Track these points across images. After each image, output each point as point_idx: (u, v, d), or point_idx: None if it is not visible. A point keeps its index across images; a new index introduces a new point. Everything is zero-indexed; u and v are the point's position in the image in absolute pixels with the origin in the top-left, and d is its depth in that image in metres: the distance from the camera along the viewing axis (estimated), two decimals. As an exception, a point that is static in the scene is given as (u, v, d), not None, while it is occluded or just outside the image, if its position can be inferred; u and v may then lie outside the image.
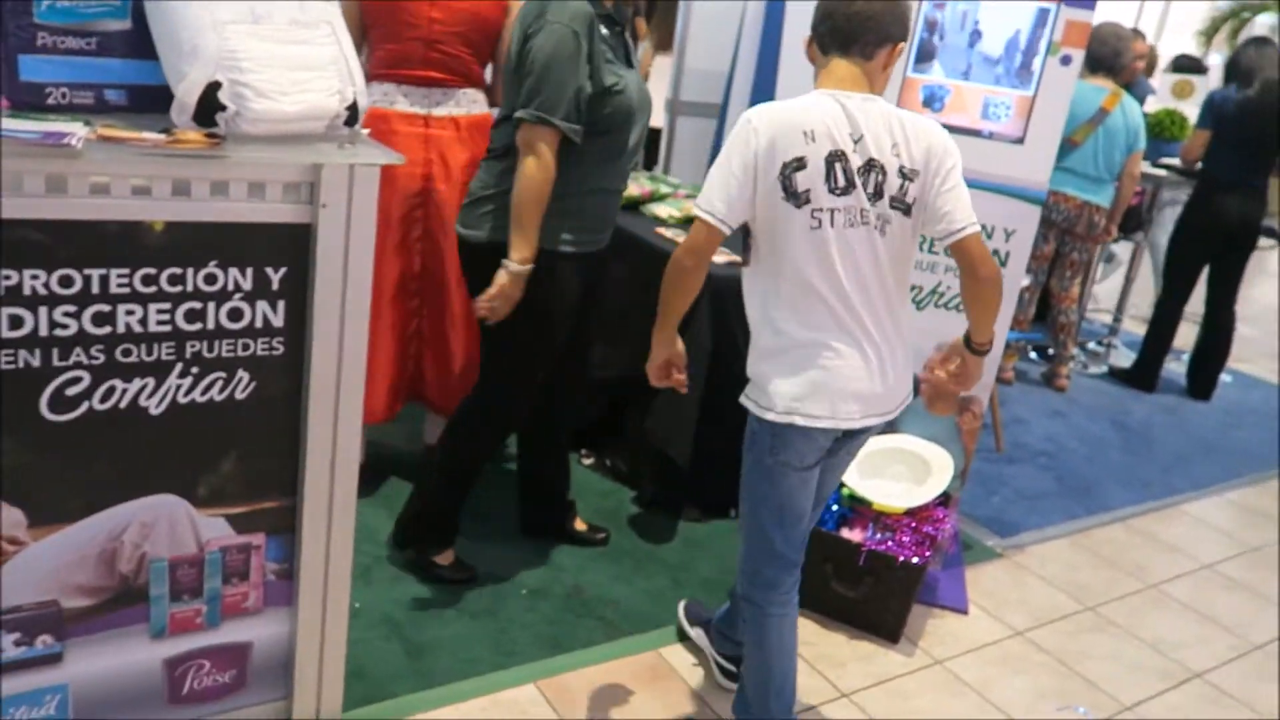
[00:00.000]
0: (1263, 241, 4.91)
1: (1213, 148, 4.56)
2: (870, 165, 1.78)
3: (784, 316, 1.86)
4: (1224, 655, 2.78)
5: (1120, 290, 5.59)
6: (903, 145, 1.80)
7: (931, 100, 2.61)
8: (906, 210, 1.83)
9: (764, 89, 4.47)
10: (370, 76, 2.71)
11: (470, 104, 2.71)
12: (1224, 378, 5.18)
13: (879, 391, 1.89)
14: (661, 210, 3.40)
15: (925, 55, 2.66)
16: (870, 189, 1.79)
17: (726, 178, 1.77)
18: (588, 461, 3.31)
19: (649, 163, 6.35)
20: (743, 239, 1.90)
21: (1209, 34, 19.88)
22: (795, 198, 1.76)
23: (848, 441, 1.97)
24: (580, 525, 2.86)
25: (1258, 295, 7.92)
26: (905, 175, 1.80)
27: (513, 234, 2.21)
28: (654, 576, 2.74)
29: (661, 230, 3.18)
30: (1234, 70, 4.55)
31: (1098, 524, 3.44)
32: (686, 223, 3.36)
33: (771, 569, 1.99)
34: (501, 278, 2.21)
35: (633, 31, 3.47)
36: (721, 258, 2.92)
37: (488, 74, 2.82)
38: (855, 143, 1.77)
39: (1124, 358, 5.26)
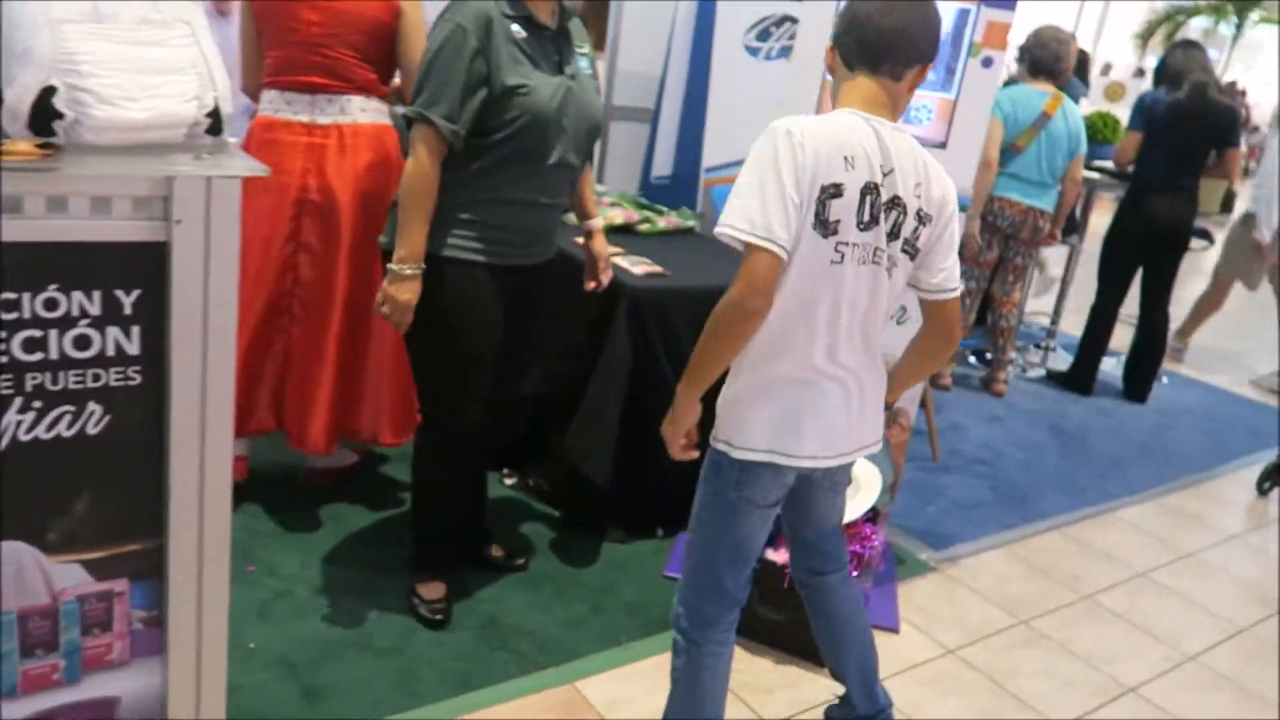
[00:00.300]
0: (1194, 243, 4.93)
1: (1144, 150, 4.57)
2: (894, 202, 1.66)
3: (771, 352, 1.71)
4: (1157, 667, 2.73)
5: (1057, 293, 5.59)
6: (924, 186, 1.69)
7: (852, 104, 2.53)
8: (914, 255, 1.73)
9: (696, 93, 4.39)
10: (263, 84, 2.57)
11: (359, 112, 2.56)
12: (1160, 379, 5.19)
13: (857, 427, 1.82)
14: (583, 219, 3.27)
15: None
16: (889, 227, 1.67)
17: (781, 198, 1.55)
18: (510, 481, 3.18)
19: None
20: None
21: (1145, 36, 20.28)
22: (825, 226, 1.60)
23: (830, 473, 1.89)
24: (497, 551, 2.73)
25: (1190, 296, 8.01)
26: (921, 219, 1.70)
27: (397, 234, 2.11)
28: (574, 602, 2.62)
29: (581, 240, 3.06)
30: (1163, 73, 4.56)
31: (1033, 533, 3.39)
32: (609, 232, 3.25)
33: (714, 606, 1.88)
34: (385, 280, 2.12)
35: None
36: (640, 268, 2.81)
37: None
38: (885, 175, 1.64)
39: (1062, 360, 5.25)
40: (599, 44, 5.91)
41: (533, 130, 2.15)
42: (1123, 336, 5.06)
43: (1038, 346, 5.45)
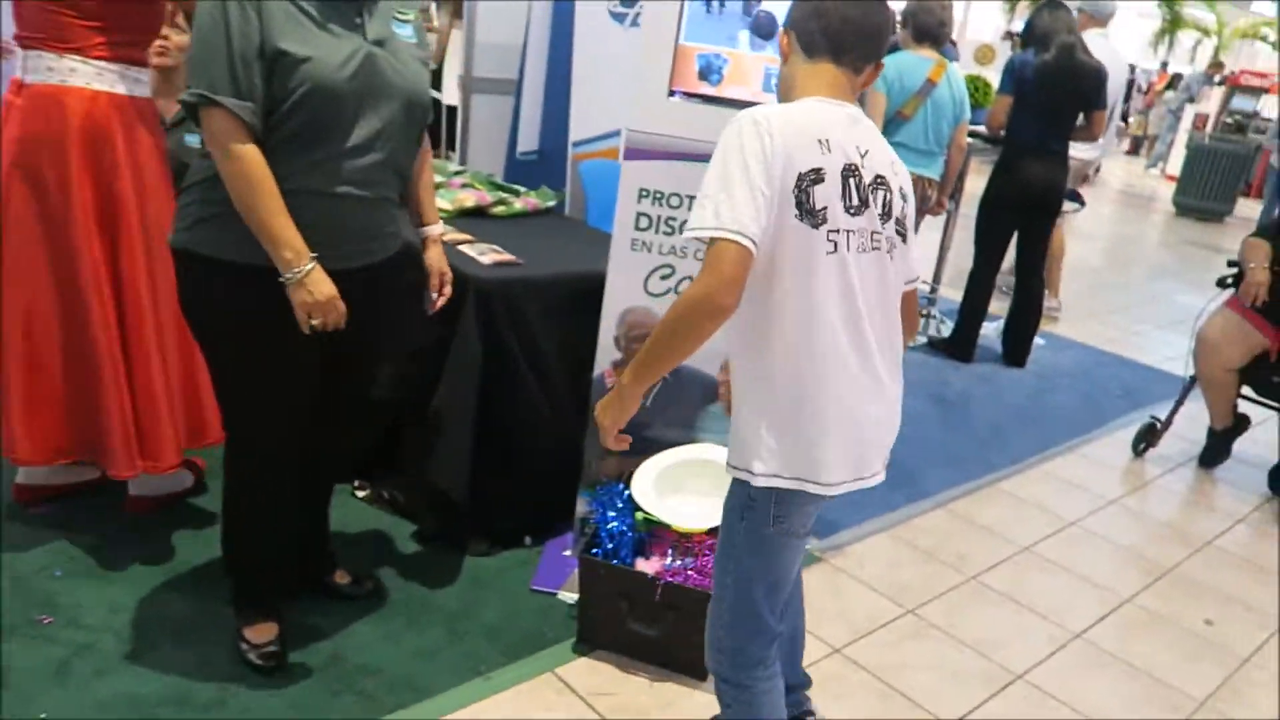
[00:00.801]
0: (1066, 205, 4.93)
1: (1015, 114, 4.52)
2: (879, 181, 1.58)
3: (789, 365, 1.55)
4: (1044, 649, 2.65)
5: (936, 259, 5.56)
6: (896, 164, 1.64)
7: (709, 72, 2.32)
8: (905, 236, 1.65)
9: (560, 62, 4.12)
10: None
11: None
12: (1037, 341, 5.21)
13: (887, 435, 1.69)
14: (431, 203, 2.99)
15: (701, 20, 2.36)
16: (880, 208, 1.58)
17: (749, 189, 1.43)
18: (362, 495, 2.91)
19: (433, 145, 5.90)
20: None
21: (1013, 1, 20.76)
22: (812, 216, 1.50)
23: None
24: (342, 578, 2.47)
25: (1067, 257, 8.18)
26: (904, 197, 1.64)
27: (264, 241, 1.81)
28: (428, 630, 2.37)
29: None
30: (1031, 35, 4.50)
31: (918, 513, 3.30)
32: (456, 215, 2.98)
33: (759, 645, 1.73)
34: (292, 294, 1.85)
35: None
36: (489, 257, 2.57)
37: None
38: (863, 156, 1.56)
39: (943, 327, 5.22)
40: (457, 12, 5.58)
41: (319, 105, 1.81)
42: (1003, 301, 5.05)
43: (920, 314, 5.40)
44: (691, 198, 2.40)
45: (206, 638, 2.22)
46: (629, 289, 2.50)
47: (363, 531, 2.75)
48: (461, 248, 2.62)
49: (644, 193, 2.43)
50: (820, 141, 1.50)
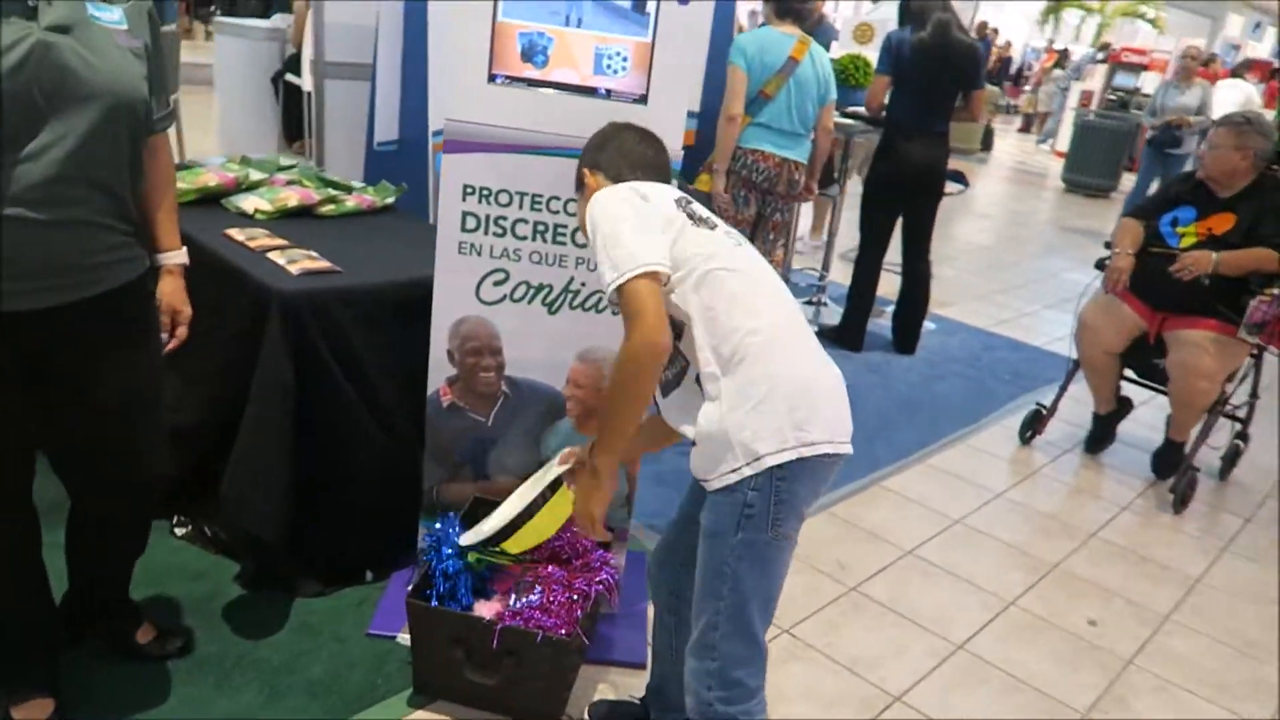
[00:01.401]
0: (949, 186, 4.83)
1: (894, 94, 4.39)
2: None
3: (755, 349, 1.56)
4: (923, 664, 2.50)
5: (825, 245, 5.42)
6: None
7: (532, 52, 2.07)
8: None
9: (415, 45, 3.83)
10: None
11: None
12: (928, 325, 5.13)
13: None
14: (248, 203, 2.69)
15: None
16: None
17: (635, 230, 1.55)
18: (182, 532, 2.59)
19: (294, 134, 5.52)
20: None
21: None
22: (704, 222, 1.66)
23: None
24: (145, 635, 2.17)
25: (958, 233, 8.20)
26: None
27: None
28: (243, 691, 2.10)
29: (232, 233, 2.47)
30: (906, 12, 4.37)
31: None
32: (277, 217, 2.68)
33: (752, 672, 1.64)
34: None
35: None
36: (298, 265, 2.28)
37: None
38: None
39: (834, 315, 5.09)
40: (308, -8, 5.20)
41: None
42: (893, 284, 4.94)
43: (809, 303, 5.27)
44: (522, 194, 2.20)
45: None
46: (460, 297, 2.25)
47: (178, 575, 2.44)
48: (271, 255, 2.33)
49: (469, 189, 2.17)
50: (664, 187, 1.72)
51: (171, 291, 1.88)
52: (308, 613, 2.38)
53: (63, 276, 1.62)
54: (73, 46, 1.54)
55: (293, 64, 6.00)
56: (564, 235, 2.21)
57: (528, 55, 2.08)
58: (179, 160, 3.20)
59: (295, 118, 5.96)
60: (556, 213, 2.20)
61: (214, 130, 6.46)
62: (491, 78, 2.10)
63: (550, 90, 2.11)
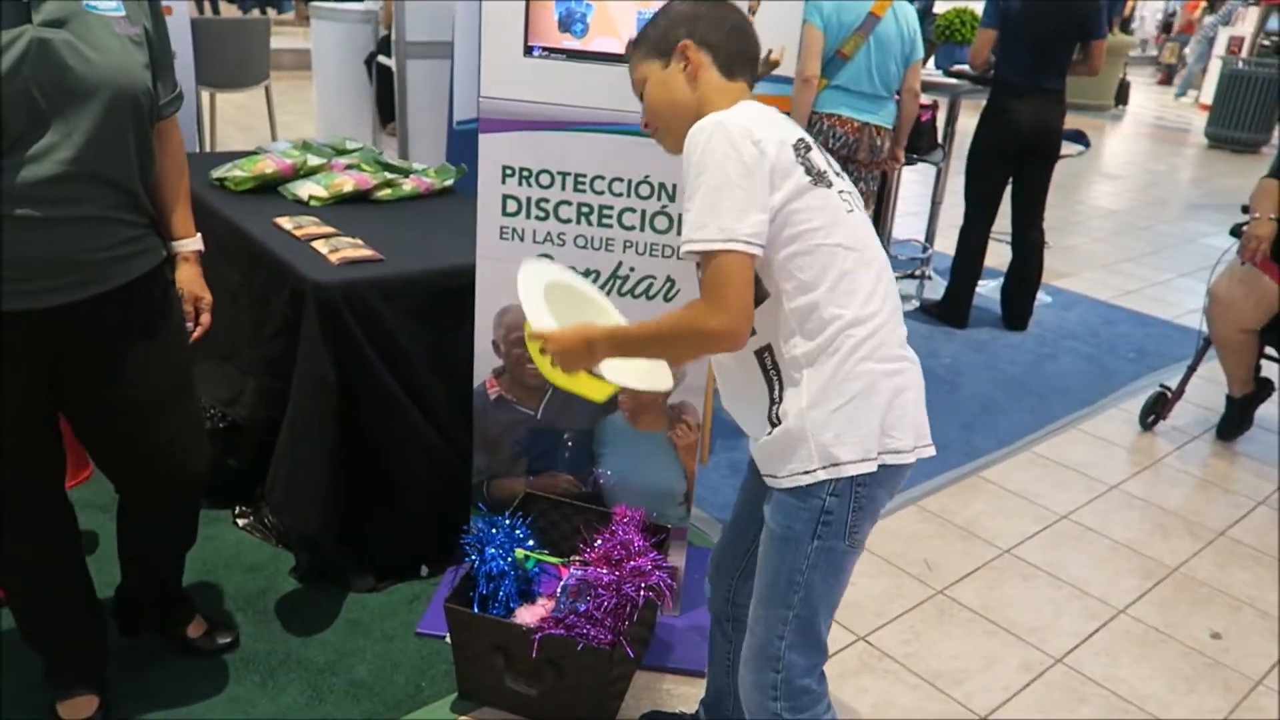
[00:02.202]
0: (1067, 148, 4.45)
1: (1001, 50, 4.04)
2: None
3: (846, 341, 1.41)
4: (1015, 681, 2.28)
5: (928, 214, 5.10)
6: None
7: (570, 21, 1.92)
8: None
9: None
10: None
11: None
12: (1043, 298, 4.76)
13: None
14: (304, 189, 2.65)
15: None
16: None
17: (741, 194, 1.33)
18: (243, 523, 2.58)
19: (389, 116, 5.52)
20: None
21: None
22: (820, 178, 1.42)
23: None
24: (196, 630, 2.15)
25: (1085, 197, 7.64)
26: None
27: None
28: (285, 691, 2.06)
29: (281, 221, 2.42)
30: (1014, -43, 4.00)
31: (884, 513, 2.91)
32: (332, 203, 2.62)
33: (818, 679, 1.56)
34: None
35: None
36: (340, 254, 2.21)
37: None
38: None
39: (938, 289, 4.78)
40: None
41: None
42: (1004, 255, 4.60)
43: (911, 276, 4.97)
44: (565, 175, 2.06)
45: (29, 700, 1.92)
46: (503, 285, 2.13)
47: (235, 567, 2.43)
48: (316, 244, 2.26)
49: (509, 171, 2.04)
50: (773, 121, 1.42)
51: (190, 279, 1.82)
52: (359, 609, 2.33)
53: (74, 274, 1.58)
54: (69, 41, 1.47)
55: (385, 46, 6.01)
56: (610, 218, 2.06)
57: (565, 24, 1.93)
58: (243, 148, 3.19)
59: (388, 100, 5.99)
60: (601, 194, 2.05)
61: (313, 115, 6.56)
62: (528, 50, 1.96)
63: (591, 62, 1.96)
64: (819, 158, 1.44)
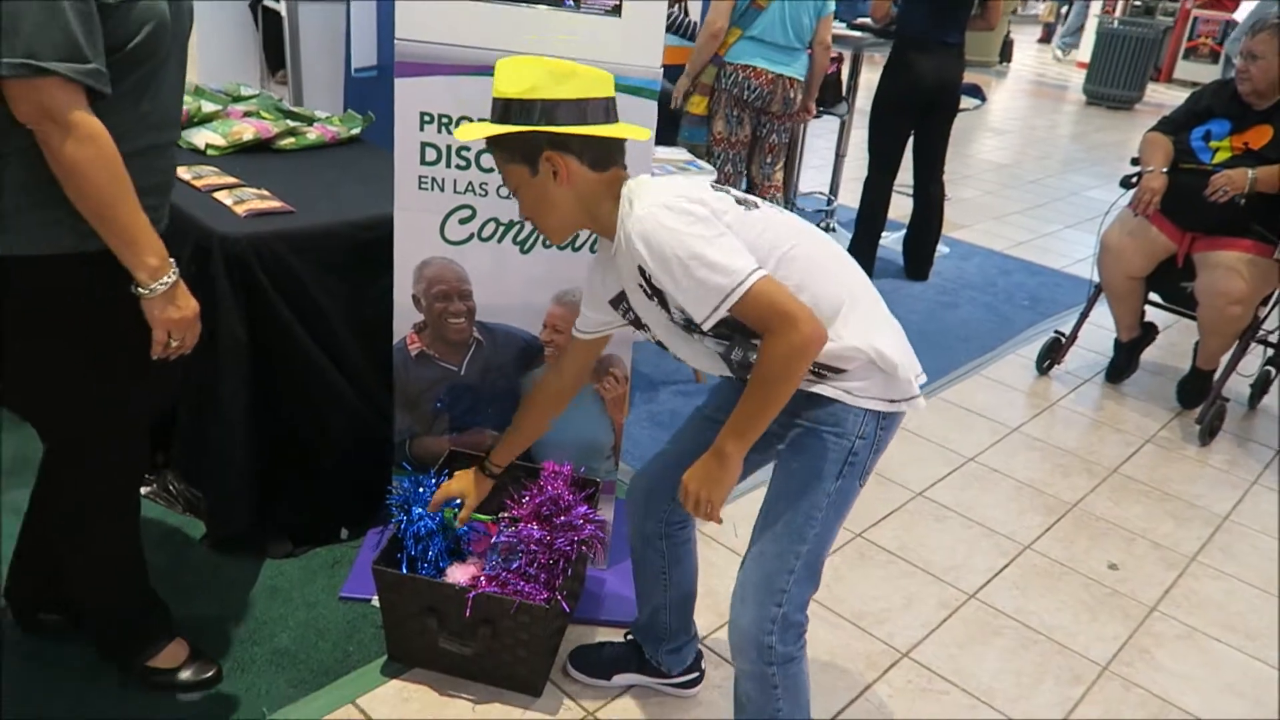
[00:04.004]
0: (965, 102, 4.55)
1: (903, 4, 4.09)
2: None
3: (847, 311, 1.51)
4: (932, 618, 2.36)
5: (832, 167, 5.16)
6: None
7: (491, -39, 1.84)
8: None
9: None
10: None
11: None
12: (941, 249, 4.89)
13: None
14: (200, 137, 2.49)
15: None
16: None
17: (721, 241, 1.41)
18: (146, 490, 2.45)
19: (277, 63, 5.27)
20: None
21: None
22: (746, 204, 1.53)
23: None
24: None
25: (974, 151, 7.87)
26: None
27: (114, 250, 1.45)
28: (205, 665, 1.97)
29: (179, 171, 2.27)
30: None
31: (802, 460, 2.97)
32: (231, 152, 2.48)
33: (805, 612, 1.63)
34: (151, 308, 1.50)
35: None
36: (246, 206, 2.09)
37: None
38: None
39: (843, 241, 4.86)
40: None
41: (160, 46, 1.45)
42: (905, 207, 4.69)
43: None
44: (485, 119, 1.98)
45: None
46: (423, 237, 2.06)
47: (147, 536, 2.30)
48: (219, 195, 2.13)
49: (427, 118, 1.96)
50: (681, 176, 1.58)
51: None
52: (278, 576, 2.25)
53: (167, 195, 1.62)
54: None
55: (275, -17, 5.70)
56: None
57: (486, -35, 1.85)
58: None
59: (277, 46, 5.69)
60: (525, 141, 1.98)
61: (194, 64, 6.19)
62: (445, -11, 1.88)
63: (511, 3, 1.88)
64: (735, 191, 1.55)
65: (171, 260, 1.50)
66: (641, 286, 1.50)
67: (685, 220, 1.40)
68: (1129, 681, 2.22)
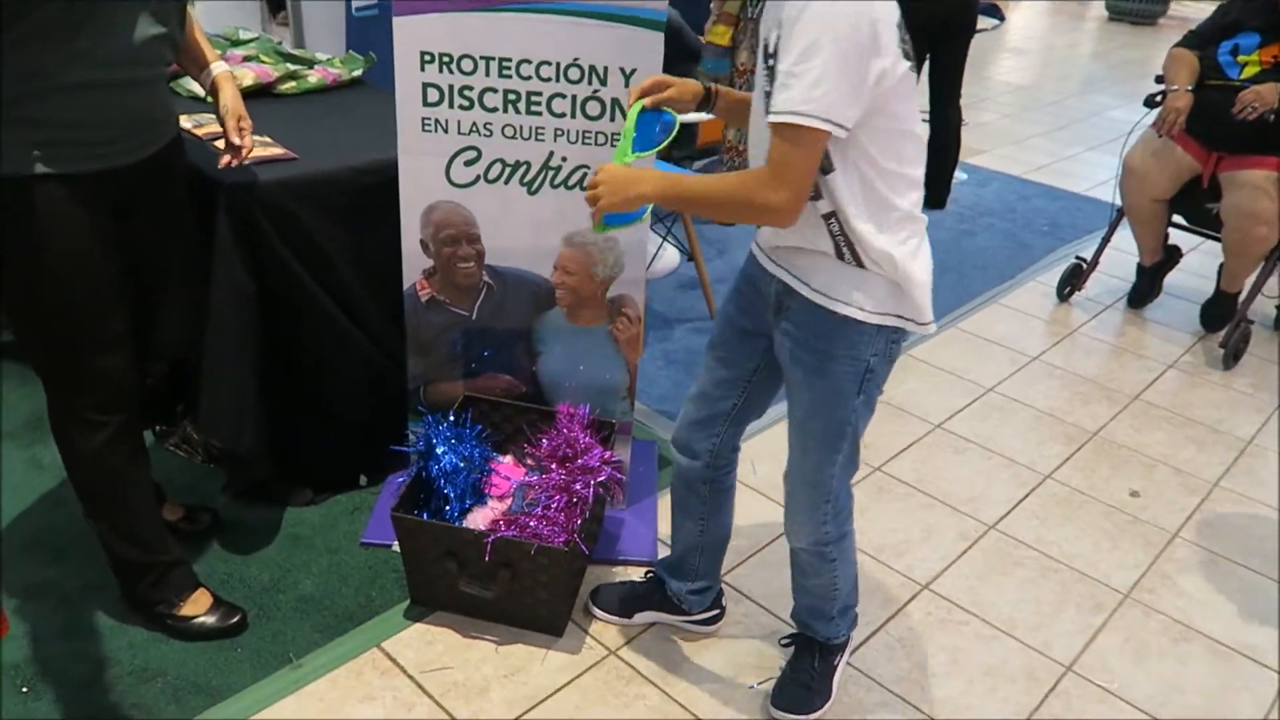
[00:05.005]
0: (983, 22, 4.41)
1: (919, -82, 3.93)
2: None
3: (901, 214, 1.47)
4: (952, 550, 2.36)
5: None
6: None
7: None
8: None
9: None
10: None
11: None
12: (959, 175, 4.79)
13: None
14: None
15: None
16: None
17: (852, 77, 1.30)
18: (166, 441, 2.47)
19: (278, 4, 5.17)
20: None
21: None
22: (910, 59, 1.39)
23: None
24: (173, 513, 2.17)
25: (992, 73, 7.67)
26: None
27: None
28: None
29: (180, 119, 2.23)
30: None
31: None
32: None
33: (852, 491, 1.76)
34: None
35: None
36: (261, 150, 2.06)
37: None
38: None
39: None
40: None
41: None
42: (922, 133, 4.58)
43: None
44: (489, 59, 1.93)
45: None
46: (428, 181, 2.02)
47: (166, 488, 2.32)
48: (220, 144, 2.09)
49: (428, 57, 1.91)
50: None
51: (234, 96, 1.85)
52: (299, 524, 2.27)
53: (159, 126, 1.73)
54: None
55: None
56: (539, 105, 1.96)
57: (479, -109, 1.78)
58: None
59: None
60: (529, 78, 1.94)
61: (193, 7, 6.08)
62: (440, -78, 1.81)
63: (509, -68, 1.82)
64: (908, 40, 1.40)
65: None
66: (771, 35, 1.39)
67: (852, 42, 1.27)
68: (1150, 608, 2.22)
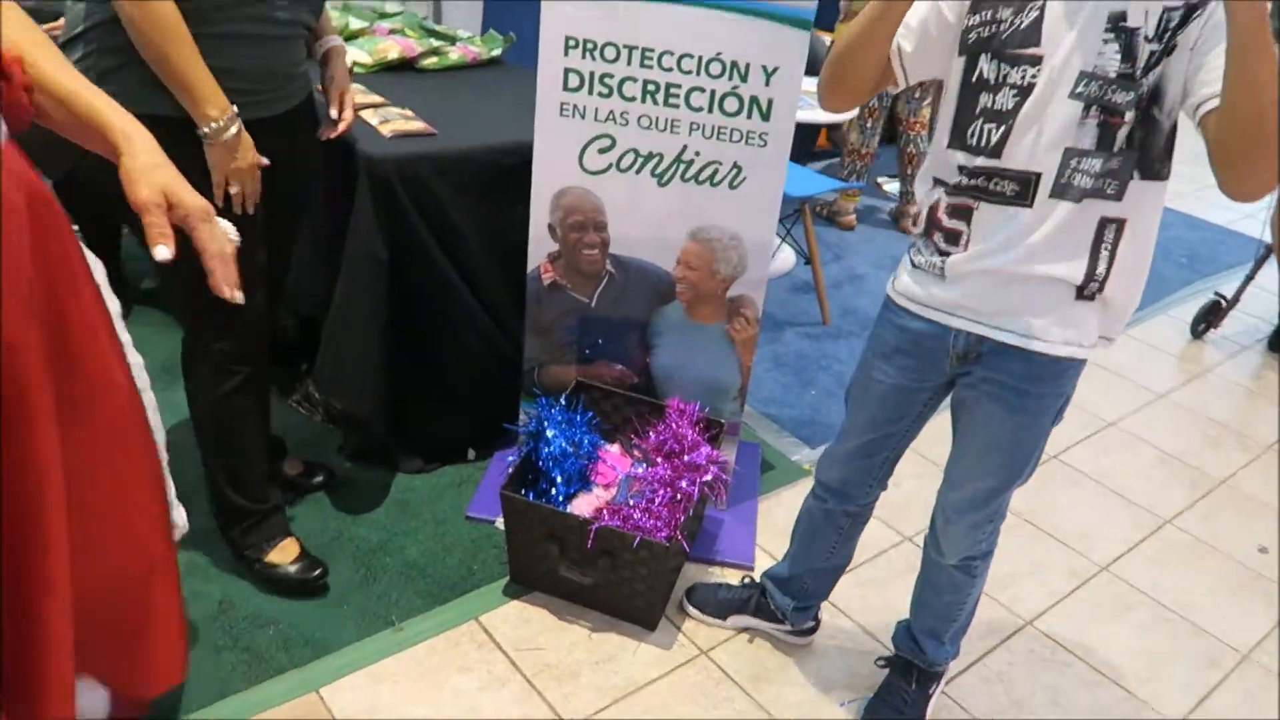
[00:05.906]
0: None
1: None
2: None
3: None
4: (1060, 588, 2.27)
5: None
6: None
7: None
8: None
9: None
10: None
11: None
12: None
13: None
14: (347, 55, 2.50)
15: None
16: None
17: None
18: (291, 400, 2.56)
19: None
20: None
21: None
22: None
23: None
24: (294, 467, 2.25)
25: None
26: None
27: (179, 91, 1.55)
28: (339, 568, 2.06)
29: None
30: None
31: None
32: (376, 70, 2.50)
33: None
34: (211, 153, 1.61)
35: None
36: (392, 126, 2.11)
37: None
38: None
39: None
40: None
41: None
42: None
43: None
44: (631, 48, 1.93)
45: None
46: (561, 165, 2.04)
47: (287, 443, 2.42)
48: (365, 114, 2.16)
49: (572, 42, 1.92)
50: None
51: (343, 71, 1.90)
52: (408, 490, 2.32)
53: (295, 82, 1.76)
54: None
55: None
56: (677, 96, 1.95)
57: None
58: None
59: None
60: (670, 70, 1.93)
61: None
62: (599, -91, 1.82)
63: (667, -76, 1.81)
64: None
65: (234, 110, 1.58)
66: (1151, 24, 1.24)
67: None
68: (1271, 671, 2.10)
